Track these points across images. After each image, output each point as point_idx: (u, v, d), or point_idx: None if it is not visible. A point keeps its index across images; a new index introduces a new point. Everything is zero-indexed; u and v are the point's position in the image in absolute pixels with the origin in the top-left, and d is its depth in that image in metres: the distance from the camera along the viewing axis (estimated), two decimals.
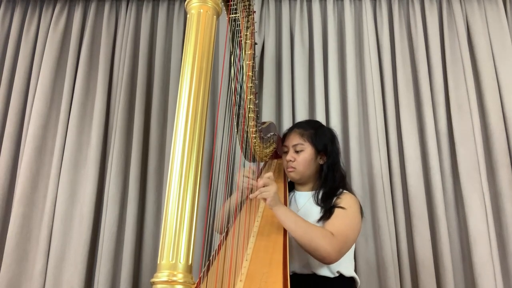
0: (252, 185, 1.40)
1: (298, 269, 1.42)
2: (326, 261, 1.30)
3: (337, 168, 1.58)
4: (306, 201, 1.55)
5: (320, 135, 1.57)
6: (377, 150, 2.17)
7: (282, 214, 1.32)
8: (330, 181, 1.54)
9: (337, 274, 1.41)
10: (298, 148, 1.55)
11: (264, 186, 1.32)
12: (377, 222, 2.08)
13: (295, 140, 1.57)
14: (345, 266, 1.43)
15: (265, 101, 2.28)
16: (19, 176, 2.18)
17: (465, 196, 2.09)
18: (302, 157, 1.54)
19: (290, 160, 1.55)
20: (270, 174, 1.36)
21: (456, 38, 2.35)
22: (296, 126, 1.64)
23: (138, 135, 2.25)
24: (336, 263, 1.39)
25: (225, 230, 1.42)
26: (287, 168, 1.59)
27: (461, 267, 2.08)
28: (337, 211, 1.41)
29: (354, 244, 1.53)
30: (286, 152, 1.60)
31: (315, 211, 1.46)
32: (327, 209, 1.43)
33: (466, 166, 2.13)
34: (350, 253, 1.49)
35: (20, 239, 2.09)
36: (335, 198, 1.47)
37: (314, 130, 1.58)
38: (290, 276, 1.11)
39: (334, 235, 1.30)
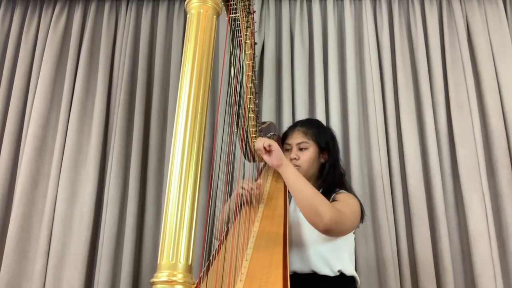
0: (251, 189, 1.41)
1: (299, 269, 1.42)
2: (321, 226, 1.28)
3: (337, 166, 1.60)
4: None
5: (322, 134, 1.59)
6: (377, 150, 2.17)
7: (293, 174, 1.33)
8: (330, 179, 1.55)
9: (338, 273, 1.41)
10: (302, 146, 1.56)
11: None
12: (377, 222, 2.08)
13: (298, 138, 1.57)
14: (346, 265, 1.43)
15: (265, 101, 2.28)
16: (19, 176, 2.18)
17: (465, 196, 2.09)
18: (306, 155, 1.55)
19: (295, 158, 1.55)
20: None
21: (456, 38, 2.35)
22: (299, 124, 1.64)
23: (138, 135, 2.24)
24: (338, 262, 1.40)
25: (225, 230, 1.42)
26: None
27: (461, 267, 2.08)
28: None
29: (354, 244, 1.54)
30: (288, 150, 1.60)
31: None
32: None
33: (466, 166, 2.13)
34: (351, 252, 1.50)
35: (20, 239, 2.09)
36: (334, 195, 1.48)
37: (316, 128, 1.60)
38: (291, 275, 1.11)
39: (336, 208, 1.32)
